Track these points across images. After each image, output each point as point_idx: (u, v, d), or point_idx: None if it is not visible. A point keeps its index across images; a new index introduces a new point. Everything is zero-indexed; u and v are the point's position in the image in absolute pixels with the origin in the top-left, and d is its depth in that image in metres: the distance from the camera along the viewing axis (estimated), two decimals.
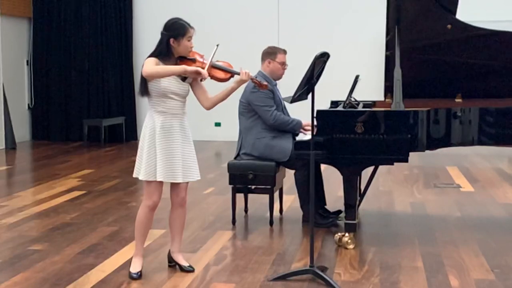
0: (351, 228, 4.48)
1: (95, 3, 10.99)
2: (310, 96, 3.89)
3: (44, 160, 8.99)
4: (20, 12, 10.92)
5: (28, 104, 11.30)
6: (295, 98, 3.90)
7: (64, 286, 3.75)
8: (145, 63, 3.67)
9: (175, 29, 3.73)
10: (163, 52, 3.73)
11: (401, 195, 6.38)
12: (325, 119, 4.38)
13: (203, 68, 3.72)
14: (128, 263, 4.03)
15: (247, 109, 5.07)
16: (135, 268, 3.89)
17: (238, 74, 3.82)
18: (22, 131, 10.99)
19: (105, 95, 11.05)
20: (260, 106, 4.96)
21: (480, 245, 4.54)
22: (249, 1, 10.67)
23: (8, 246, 4.62)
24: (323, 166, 5.28)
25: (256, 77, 3.95)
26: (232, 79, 3.86)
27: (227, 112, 9.94)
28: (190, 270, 3.97)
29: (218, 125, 10.79)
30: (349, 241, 4.46)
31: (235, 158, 5.14)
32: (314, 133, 4.02)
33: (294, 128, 5.01)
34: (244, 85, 4.49)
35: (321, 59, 3.85)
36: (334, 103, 5.49)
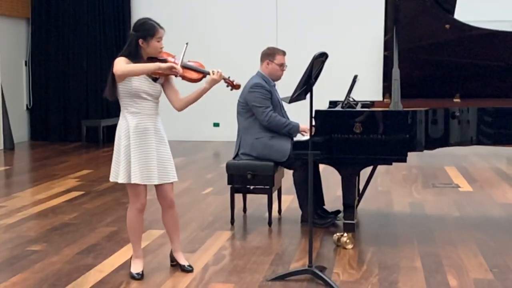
0: (350, 228, 4.47)
1: (93, 4, 10.97)
2: (308, 96, 3.88)
3: (42, 160, 8.98)
4: (18, 13, 10.91)
5: (27, 105, 11.29)
6: (293, 98, 3.90)
7: (63, 287, 3.75)
8: (116, 63, 3.61)
9: (144, 30, 3.68)
10: (133, 53, 3.67)
11: (399, 195, 6.38)
12: (323, 119, 4.38)
13: None
14: (127, 263, 4.03)
15: (245, 109, 5.06)
16: (136, 268, 3.88)
17: (209, 74, 3.78)
18: (21, 131, 10.98)
19: (103, 95, 11.02)
20: (256, 106, 4.96)
21: (478, 245, 4.55)
22: (247, 3, 10.66)
23: (7, 246, 4.61)
24: (321, 166, 5.26)
25: (229, 77, 3.92)
26: (204, 79, 3.82)
27: (225, 112, 9.83)
28: (189, 270, 3.97)
29: (216, 125, 10.74)
30: (348, 241, 4.46)
31: (233, 158, 5.14)
32: (313, 133, 4.02)
33: (290, 131, 4.99)
34: (243, 85, 4.50)
35: (320, 59, 3.84)
36: (333, 103, 5.49)
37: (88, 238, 4.81)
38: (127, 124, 3.72)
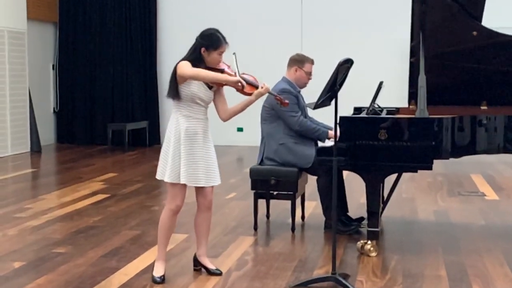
0: (374, 236, 4.45)
1: (119, 7, 11.07)
2: (333, 102, 3.88)
3: (68, 163, 9.07)
4: (46, 17, 11.06)
5: (54, 108, 11.42)
6: (318, 104, 3.91)
7: None
8: (182, 65, 3.73)
9: (210, 40, 3.80)
10: (195, 59, 3.79)
11: (424, 203, 6.32)
12: (348, 126, 4.39)
13: None
14: (151, 267, 4.05)
15: (270, 114, 5.08)
16: (158, 272, 3.91)
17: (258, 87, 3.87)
18: (48, 134, 11.11)
19: (129, 99, 11.11)
20: (285, 111, 4.96)
21: (505, 254, 4.49)
22: (273, 9, 10.67)
23: (33, 248, 4.67)
24: (345, 173, 5.20)
25: (277, 92, 3.99)
26: None
27: (249, 117, 9.91)
28: (217, 273, 4.01)
29: (240, 130, 10.79)
30: (372, 248, 4.44)
31: (258, 163, 5.15)
32: (337, 139, 4.00)
33: (319, 136, 5.02)
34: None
35: (345, 66, 3.84)
36: (357, 110, 5.49)
37: (112, 241, 4.85)
38: (178, 127, 3.82)
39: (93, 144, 11.11)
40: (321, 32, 10.43)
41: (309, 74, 5.13)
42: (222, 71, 3.83)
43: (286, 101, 4.03)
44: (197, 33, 3.90)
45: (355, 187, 6.20)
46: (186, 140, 3.80)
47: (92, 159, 9.43)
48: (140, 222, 5.47)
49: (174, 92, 3.79)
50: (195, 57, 3.79)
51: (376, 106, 5.11)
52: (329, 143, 4.83)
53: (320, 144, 5.06)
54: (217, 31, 3.86)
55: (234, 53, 3.87)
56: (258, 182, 5.07)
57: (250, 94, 3.84)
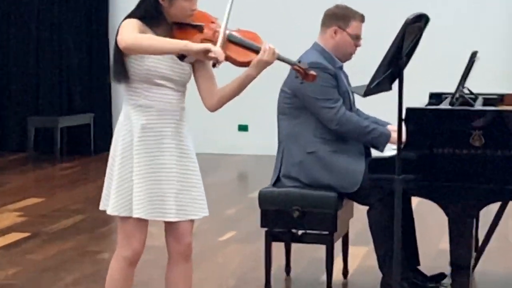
0: None
1: None
2: (396, 85, 3.90)
3: None
4: None
5: None
6: (372, 89, 3.91)
7: None
8: (123, 27, 3.69)
9: None
10: (149, 14, 3.77)
11: None
12: (420, 124, 4.41)
13: (214, 42, 3.68)
14: None
15: (293, 105, 5.04)
16: None
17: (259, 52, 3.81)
18: None
19: (63, 80, 11.17)
20: (316, 99, 4.92)
21: None
22: None
23: None
24: (415, 201, 5.24)
25: (299, 61, 3.90)
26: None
27: (257, 108, 9.81)
28: None
29: (243, 129, 10.95)
30: None
31: (273, 184, 5.14)
32: (402, 146, 4.00)
33: (374, 140, 4.98)
34: (284, 67, 4.44)
35: (415, 25, 3.85)
36: (436, 97, 5.52)
37: None
38: (130, 124, 3.84)
39: (5, 150, 11.12)
40: None
41: (357, 38, 5.09)
42: (200, 28, 3.78)
43: (312, 71, 3.92)
44: None
45: (431, 224, 6.19)
46: (143, 145, 3.79)
47: (2, 174, 9.38)
48: (80, 277, 5.45)
49: (119, 69, 3.78)
50: (147, 10, 3.77)
51: (467, 91, 5.10)
52: (390, 152, 4.80)
53: (374, 153, 5.06)
54: None
55: None
56: (272, 214, 5.05)
57: (245, 63, 3.81)
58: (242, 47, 3.83)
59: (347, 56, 5.14)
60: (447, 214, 4.44)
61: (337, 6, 5.18)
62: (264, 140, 9.13)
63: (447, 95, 5.26)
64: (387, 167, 4.36)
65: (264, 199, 5.08)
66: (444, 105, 4.98)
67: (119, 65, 3.78)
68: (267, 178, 5.35)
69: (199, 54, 3.64)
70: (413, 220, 5.32)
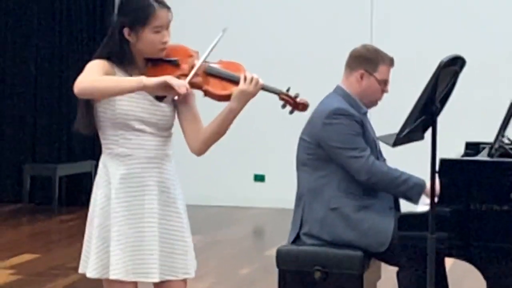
0: None
1: None
2: (428, 134, 3.91)
3: None
4: None
5: None
6: (402, 138, 3.94)
7: None
8: (84, 71, 3.63)
9: (131, 12, 3.70)
10: (116, 53, 3.71)
11: None
12: (456, 177, 4.40)
13: (184, 76, 3.62)
14: None
15: (316, 155, 4.92)
16: None
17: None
18: None
19: (62, 125, 11.21)
20: (342, 148, 4.80)
21: None
22: None
23: None
24: (448, 263, 5.17)
25: (287, 90, 3.83)
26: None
27: (274, 157, 9.81)
28: None
29: (260, 179, 10.96)
30: None
31: (292, 242, 5.02)
32: (436, 200, 3.97)
33: (408, 192, 4.82)
34: (310, 109, 4.23)
35: (451, 69, 3.89)
36: (472, 147, 5.50)
37: None
38: (107, 176, 3.79)
39: None
40: (402, 17, 10.46)
41: (385, 83, 5.00)
42: (175, 63, 3.71)
43: (303, 100, 3.83)
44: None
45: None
46: (122, 198, 3.71)
47: None
48: None
49: (84, 120, 3.74)
50: (113, 48, 3.71)
51: (507, 140, 5.11)
52: (423, 207, 4.69)
53: (403, 206, 4.99)
54: None
55: (223, 30, 3.77)
56: (291, 275, 4.96)
57: (224, 97, 3.73)
58: (221, 79, 3.78)
59: (374, 103, 5.11)
60: (485, 278, 4.38)
61: (364, 47, 5.10)
62: (282, 191, 9.11)
63: (485, 145, 5.25)
64: (419, 224, 4.35)
65: (282, 258, 4.97)
66: (482, 156, 4.97)
67: (86, 113, 3.73)
68: (285, 234, 5.22)
69: (157, 89, 3.57)
70: (447, 284, 5.22)
